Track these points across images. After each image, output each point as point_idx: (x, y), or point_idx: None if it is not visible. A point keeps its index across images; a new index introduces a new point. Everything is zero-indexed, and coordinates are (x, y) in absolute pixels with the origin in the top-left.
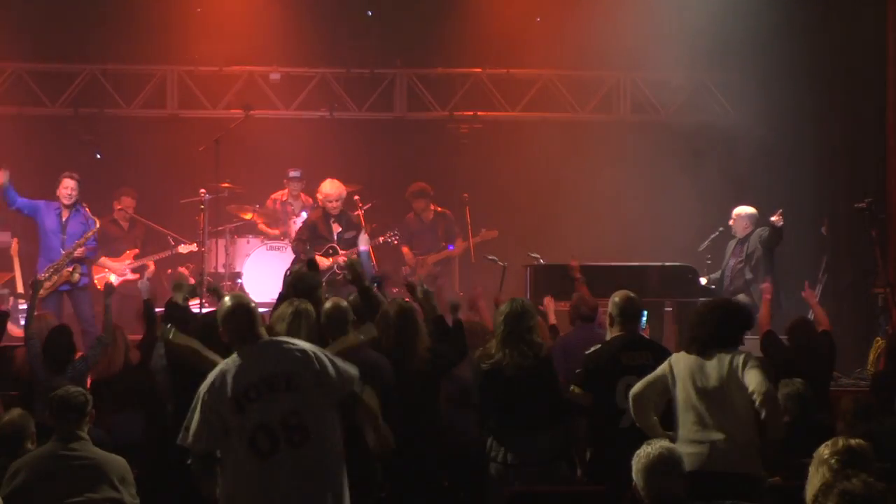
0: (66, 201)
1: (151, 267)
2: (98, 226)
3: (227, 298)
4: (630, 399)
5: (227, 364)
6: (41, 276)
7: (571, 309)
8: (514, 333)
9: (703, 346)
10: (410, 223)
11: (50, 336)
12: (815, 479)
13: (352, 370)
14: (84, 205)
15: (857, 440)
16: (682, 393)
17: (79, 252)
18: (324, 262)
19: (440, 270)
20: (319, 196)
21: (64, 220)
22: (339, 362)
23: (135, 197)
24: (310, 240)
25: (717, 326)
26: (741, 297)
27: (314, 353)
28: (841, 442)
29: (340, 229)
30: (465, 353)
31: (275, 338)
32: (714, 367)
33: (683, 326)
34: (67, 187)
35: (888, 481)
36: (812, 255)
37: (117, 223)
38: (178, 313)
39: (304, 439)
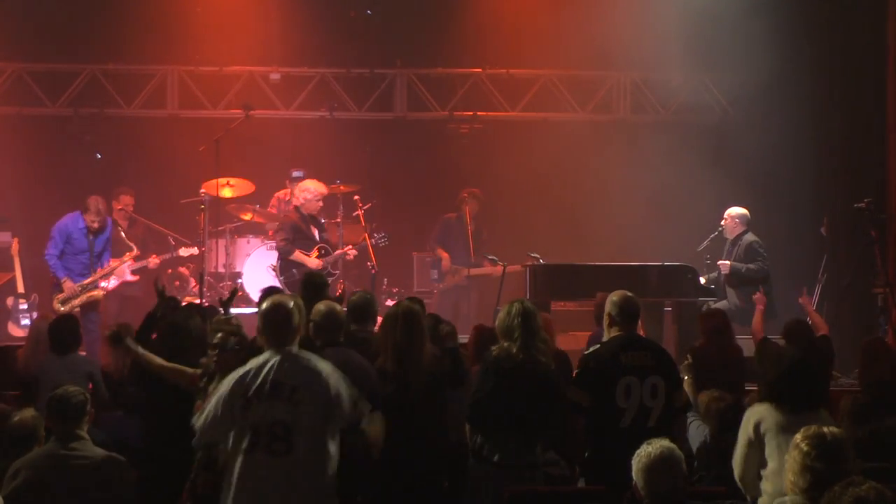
0: (92, 226)
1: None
2: (136, 252)
3: (270, 298)
4: (736, 471)
5: (252, 363)
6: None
7: (595, 308)
8: (531, 332)
9: (803, 402)
10: (450, 223)
11: (55, 322)
12: (788, 462)
13: (365, 408)
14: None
15: (832, 428)
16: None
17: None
18: (315, 262)
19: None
20: (307, 195)
21: (91, 239)
22: (357, 397)
23: (133, 196)
24: (296, 241)
25: (815, 381)
26: (722, 305)
27: (335, 381)
28: (814, 428)
29: (316, 230)
30: (464, 381)
31: (304, 353)
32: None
33: (764, 370)
34: (100, 214)
35: (888, 481)
36: (812, 255)
37: (116, 223)
38: (149, 322)
39: (285, 451)
